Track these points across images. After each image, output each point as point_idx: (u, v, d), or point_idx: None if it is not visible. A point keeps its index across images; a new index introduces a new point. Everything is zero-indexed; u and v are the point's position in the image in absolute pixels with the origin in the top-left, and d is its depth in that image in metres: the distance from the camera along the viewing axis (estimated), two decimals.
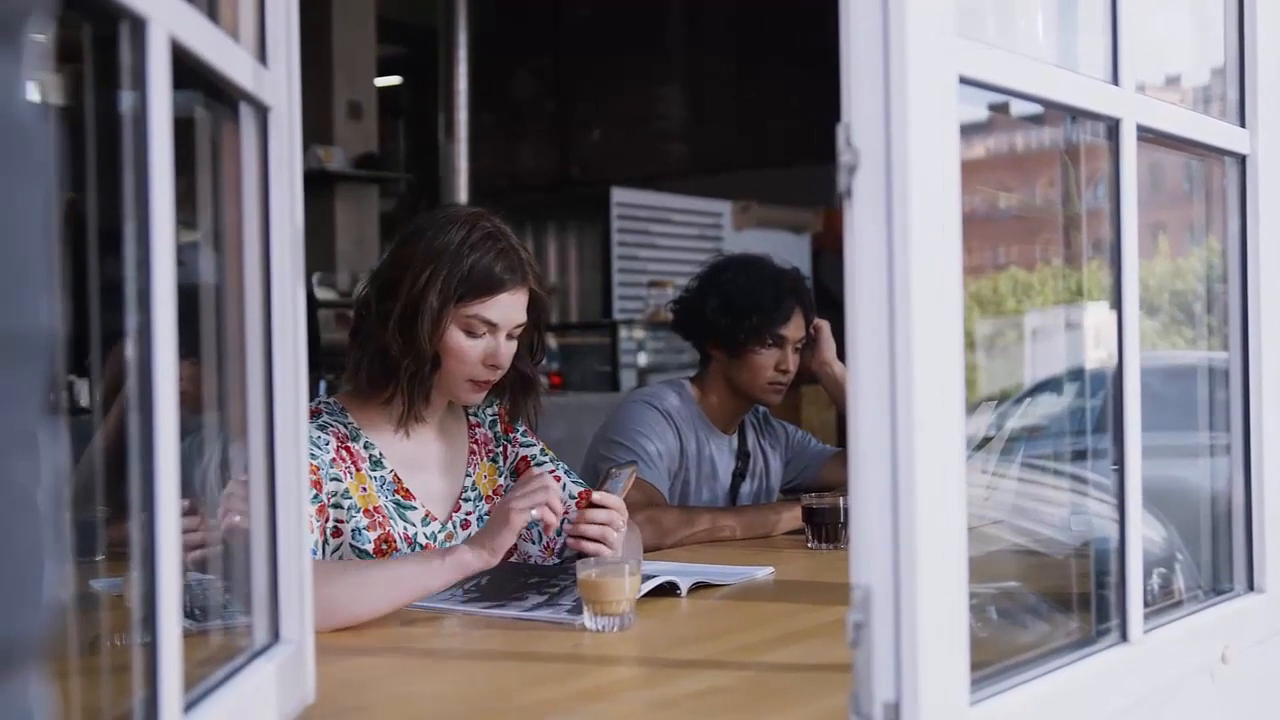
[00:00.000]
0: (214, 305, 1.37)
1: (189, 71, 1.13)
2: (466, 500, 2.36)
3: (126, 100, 1.03)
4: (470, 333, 2.22)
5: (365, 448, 2.25)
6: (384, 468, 2.25)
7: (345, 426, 2.24)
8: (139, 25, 1.00)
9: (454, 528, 2.32)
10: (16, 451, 0.57)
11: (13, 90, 0.58)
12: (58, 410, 0.63)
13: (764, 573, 2.37)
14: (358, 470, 2.22)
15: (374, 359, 2.23)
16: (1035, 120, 1.75)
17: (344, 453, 2.20)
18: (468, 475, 2.38)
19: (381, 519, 2.20)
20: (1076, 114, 1.57)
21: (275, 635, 1.38)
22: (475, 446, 2.41)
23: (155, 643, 1.01)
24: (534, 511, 2.00)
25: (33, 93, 0.60)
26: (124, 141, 1.03)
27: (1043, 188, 2.10)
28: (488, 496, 2.39)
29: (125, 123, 1.03)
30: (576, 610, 1.92)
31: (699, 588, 2.20)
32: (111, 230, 1.04)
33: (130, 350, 1.04)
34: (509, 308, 2.25)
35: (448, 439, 2.38)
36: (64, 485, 0.63)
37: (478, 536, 2.05)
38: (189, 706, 1.10)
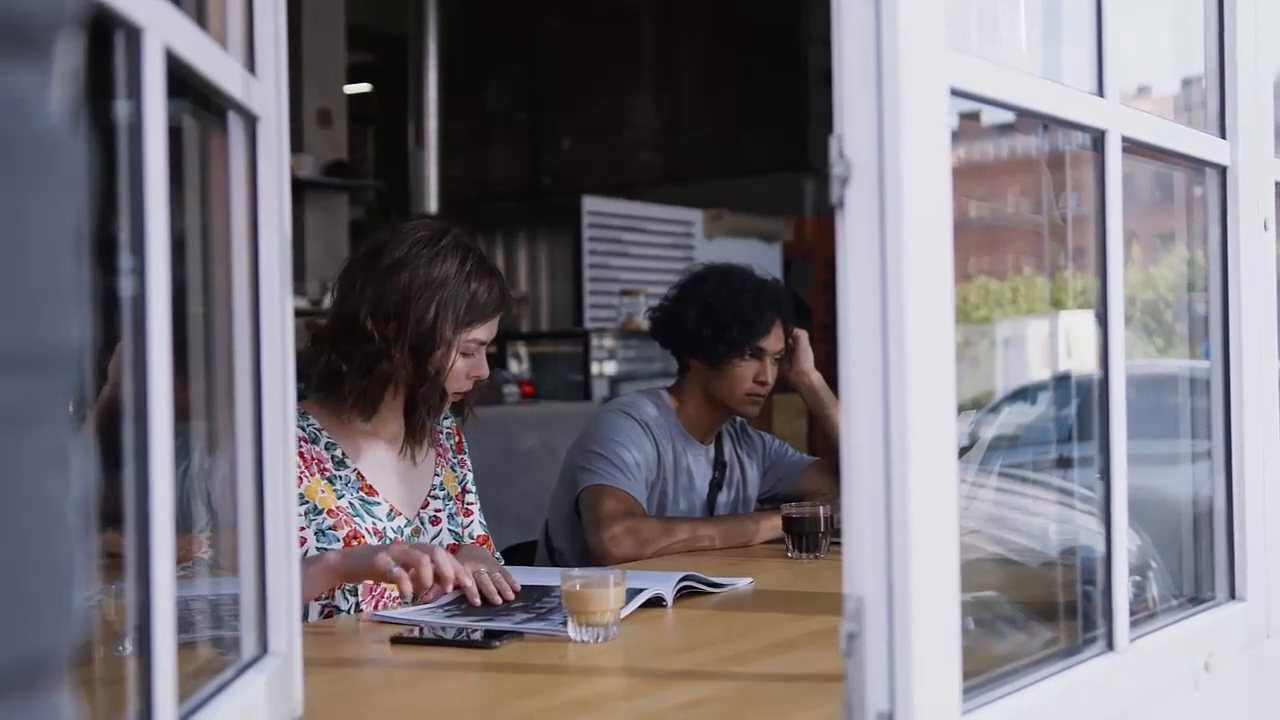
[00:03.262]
0: (201, 315, 1.37)
1: (179, 80, 1.12)
2: (435, 498, 2.44)
3: (121, 108, 1.02)
4: (465, 354, 2.33)
5: (327, 449, 2.31)
6: (348, 467, 2.31)
7: (304, 429, 2.26)
8: (134, 34, 0.99)
9: (421, 523, 2.40)
10: (48, 465, 0.57)
11: (44, 104, 0.57)
12: (80, 425, 0.63)
13: (744, 583, 2.37)
14: (313, 475, 2.27)
15: (380, 384, 2.29)
16: (1005, 129, 1.76)
17: (298, 458, 2.21)
18: (436, 475, 2.46)
19: (345, 518, 2.26)
20: (1063, 125, 1.58)
21: (264, 648, 1.37)
22: (440, 450, 2.50)
23: (149, 656, 1.00)
24: (396, 570, 1.99)
25: (62, 107, 0.60)
26: (118, 149, 1.02)
27: (1014, 197, 2.12)
28: (456, 496, 2.48)
29: (119, 131, 1.02)
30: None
31: (684, 595, 2.21)
32: (104, 239, 1.03)
33: (116, 359, 1.03)
34: (496, 326, 2.38)
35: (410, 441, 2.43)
36: (91, 498, 0.62)
37: (348, 552, 2.10)
38: None
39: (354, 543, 2.25)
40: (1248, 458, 1.85)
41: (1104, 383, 1.55)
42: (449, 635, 1.91)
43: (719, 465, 3.19)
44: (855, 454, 1.19)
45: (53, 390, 0.57)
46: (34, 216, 0.56)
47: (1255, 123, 1.88)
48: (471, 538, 2.44)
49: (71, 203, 0.59)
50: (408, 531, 2.35)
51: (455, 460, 2.53)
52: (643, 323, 7.29)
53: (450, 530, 2.44)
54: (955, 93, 1.26)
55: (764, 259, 7.83)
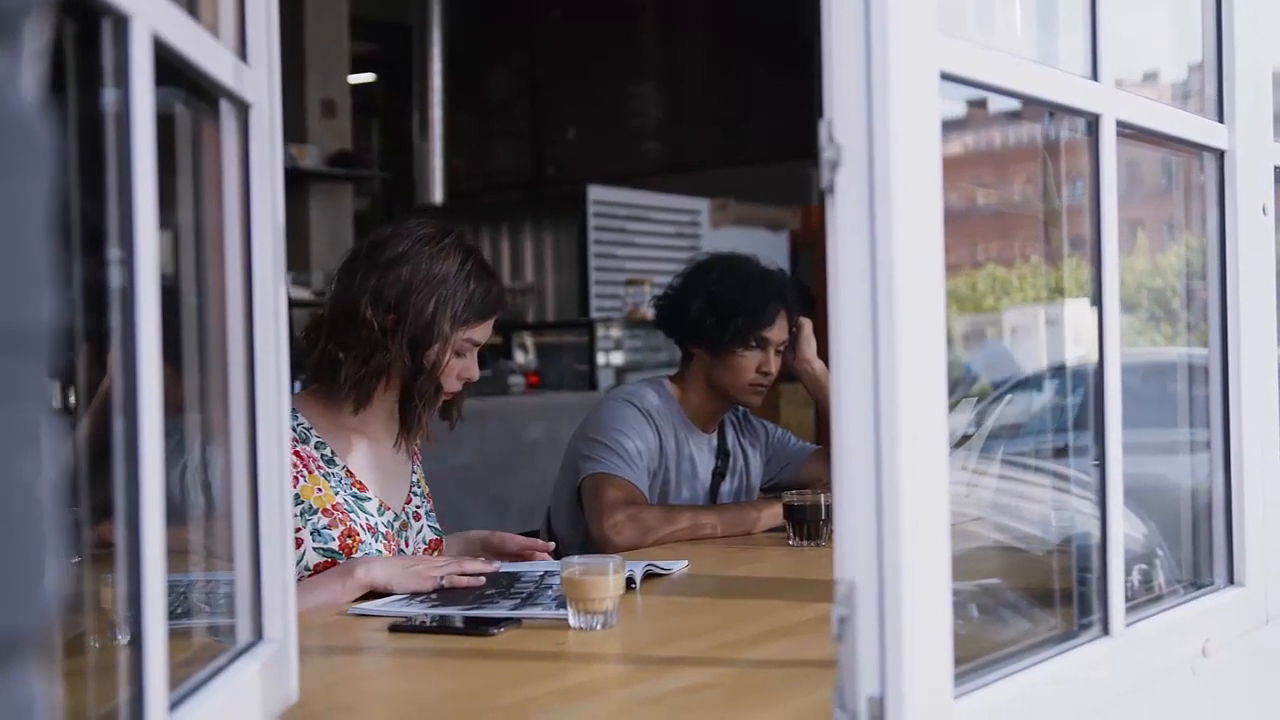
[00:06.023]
0: (194, 306, 1.37)
1: (169, 68, 1.12)
2: (416, 494, 2.49)
3: (108, 97, 1.02)
4: (458, 353, 2.36)
5: (316, 448, 2.34)
6: (337, 465, 2.34)
7: (294, 429, 2.28)
8: (121, 22, 0.99)
9: (407, 517, 2.44)
10: (20, 445, 0.57)
11: (12, 87, 0.58)
12: (53, 406, 0.63)
13: (679, 566, 2.41)
14: (310, 472, 2.30)
15: (375, 375, 2.32)
16: (1013, 116, 1.75)
17: (294, 457, 2.25)
18: (414, 473, 2.51)
19: (341, 515, 2.30)
20: (1057, 110, 1.58)
21: (259, 634, 1.38)
22: (416, 449, 2.54)
23: (140, 642, 1.01)
24: (444, 581, 2.15)
25: (31, 89, 0.60)
26: (105, 138, 1.03)
27: (1021, 184, 2.11)
28: (428, 495, 2.54)
29: (107, 120, 1.03)
30: (562, 604, 1.92)
31: (684, 581, 2.23)
32: (92, 229, 1.04)
33: (112, 351, 1.03)
34: (491, 328, 2.41)
35: (393, 439, 2.46)
36: (64, 480, 0.63)
37: (384, 562, 2.19)
38: (173, 705, 1.10)
39: (349, 541, 2.27)
40: (1246, 443, 1.85)
41: (1099, 368, 1.55)
42: (446, 622, 1.92)
43: (722, 454, 3.19)
44: (846, 438, 1.19)
45: (23, 371, 0.57)
46: (3, 199, 0.56)
47: (1254, 107, 1.88)
48: (424, 542, 2.46)
49: (41, 185, 0.59)
50: (396, 526, 2.38)
51: (422, 461, 2.58)
52: (648, 312, 7.30)
53: (430, 526, 2.48)
54: (946, 77, 1.26)
55: (770, 248, 7.83)
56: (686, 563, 2.44)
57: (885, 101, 1.16)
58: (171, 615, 1.12)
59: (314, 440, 2.33)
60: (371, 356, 2.29)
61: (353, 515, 2.30)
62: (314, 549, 2.25)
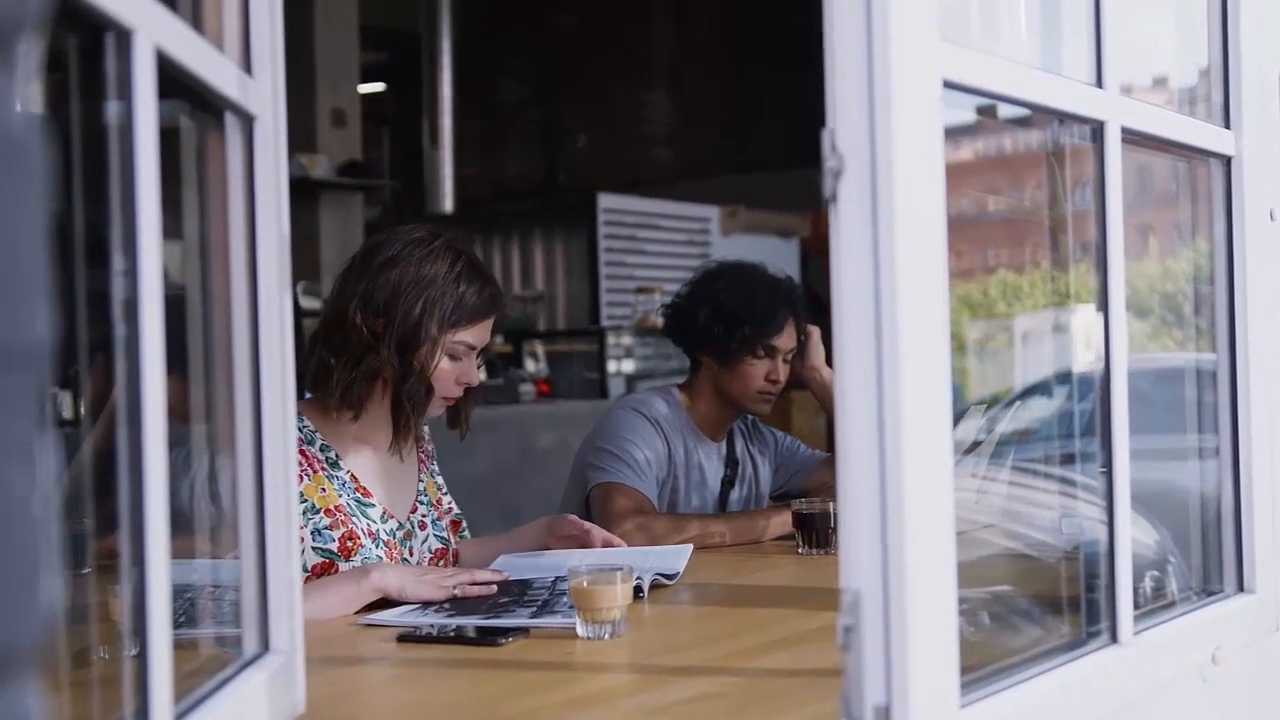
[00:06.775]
0: (200, 317, 1.37)
1: (173, 81, 1.13)
2: (422, 503, 2.48)
3: (112, 110, 1.03)
4: (453, 356, 2.35)
5: (321, 450, 2.34)
6: (342, 469, 2.35)
7: (300, 431, 2.28)
8: (125, 36, 1.00)
9: (412, 526, 2.44)
10: (14, 460, 0.57)
11: (6, 102, 0.58)
12: (49, 421, 0.64)
13: (685, 550, 2.45)
14: (315, 473, 2.30)
15: (366, 379, 2.31)
16: (1023, 123, 1.75)
17: (298, 457, 2.26)
18: (420, 481, 2.50)
19: (344, 517, 2.30)
20: (1061, 117, 1.58)
21: (265, 645, 1.38)
22: (423, 457, 2.54)
23: (146, 654, 1.01)
24: (456, 591, 2.15)
25: (26, 104, 0.60)
26: (109, 151, 1.03)
27: (1031, 190, 2.11)
28: (435, 503, 2.52)
29: (110, 132, 1.03)
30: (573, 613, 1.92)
31: (656, 587, 2.24)
32: (96, 241, 1.04)
33: (117, 362, 1.04)
34: (487, 332, 2.40)
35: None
36: (58, 494, 0.63)
37: (398, 569, 2.19)
38: (179, 717, 1.10)
39: (349, 543, 2.28)
40: (1255, 449, 1.85)
41: (1106, 374, 1.55)
42: (455, 632, 1.92)
43: (731, 462, 3.19)
44: (851, 446, 1.19)
45: (17, 386, 0.57)
46: None
47: (1261, 113, 1.87)
48: (430, 552, 2.47)
49: (36, 201, 0.59)
50: (400, 534, 2.38)
51: (433, 468, 2.57)
52: (658, 320, 7.30)
53: (436, 535, 2.48)
54: (948, 85, 1.25)
55: (781, 255, 7.83)
56: (690, 546, 2.47)
57: (887, 110, 1.17)
58: (177, 624, 1.12)
59: (319, 443, 2.33)
60: (361, 360, 2.29)
61: (354, 519, 2.30)
62: (313, 548, 2.25)
